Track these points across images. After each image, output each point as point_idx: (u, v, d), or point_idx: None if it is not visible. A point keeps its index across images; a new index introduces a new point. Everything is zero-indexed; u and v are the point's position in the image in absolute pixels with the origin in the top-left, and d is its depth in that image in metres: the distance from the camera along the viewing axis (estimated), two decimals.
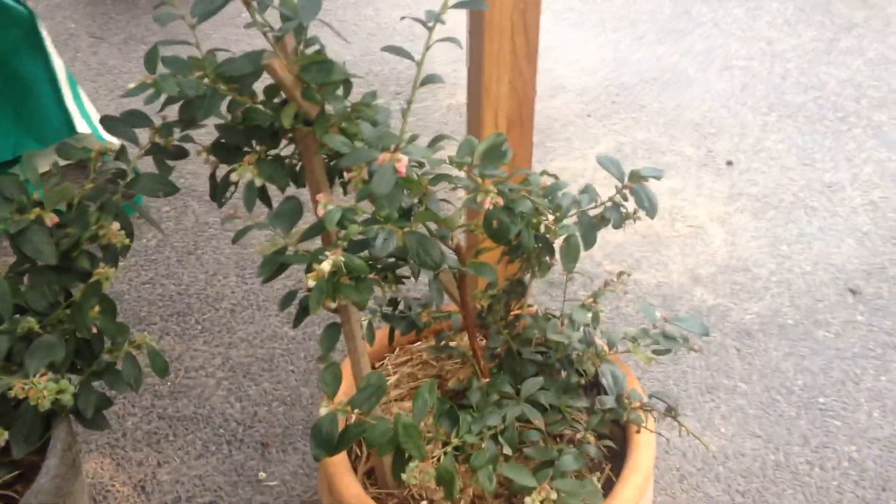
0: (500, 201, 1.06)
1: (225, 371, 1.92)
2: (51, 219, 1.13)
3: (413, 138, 1.15)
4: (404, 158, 0.98)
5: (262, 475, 1.72)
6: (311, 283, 1.02)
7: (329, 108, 1.08)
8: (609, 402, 1.32)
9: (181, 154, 1.26)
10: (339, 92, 1.12)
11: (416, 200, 1.11)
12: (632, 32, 3.10)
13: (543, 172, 1.32)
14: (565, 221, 1.21)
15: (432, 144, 1.16)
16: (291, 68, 1.06)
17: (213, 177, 1.20)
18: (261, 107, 1.09)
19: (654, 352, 1.41)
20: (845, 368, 1.92)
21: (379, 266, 1.16)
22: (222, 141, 1.18)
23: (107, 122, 1.22)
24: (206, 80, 1.05)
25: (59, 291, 1.19)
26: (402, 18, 2.97)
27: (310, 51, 1.14)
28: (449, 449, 1.09)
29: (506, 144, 1.14)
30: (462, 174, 1.13)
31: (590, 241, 1.23)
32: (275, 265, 1.10)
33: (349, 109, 1.08)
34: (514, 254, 1.27)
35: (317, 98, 1.05)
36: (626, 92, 2.79)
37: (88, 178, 1.28)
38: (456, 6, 1.14)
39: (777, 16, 3.17)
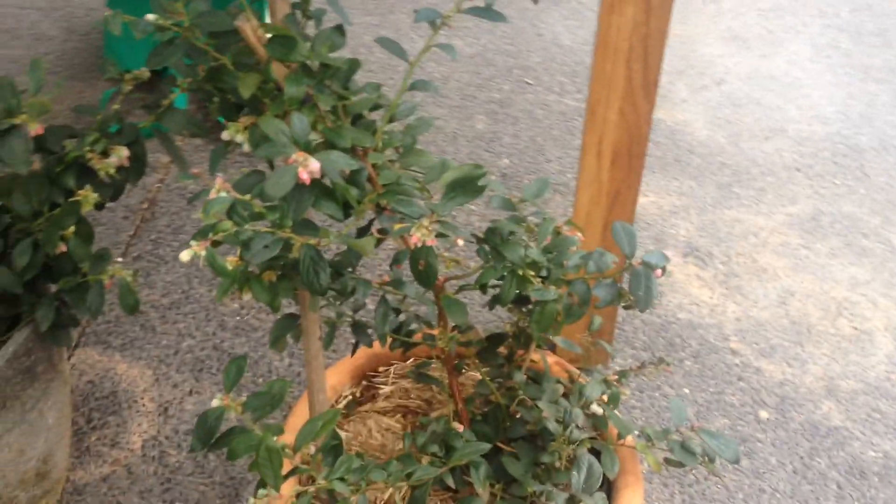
0: (432, 241, 0.92)
1: None
2: (35, 128, 1.12)
3: (388, 143, 1.03)
4: (314, 165, 0.86)
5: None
6: (229, 267, 0.94)
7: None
8: (560, 499, 1.14)
9: (209, 97, 1.21)
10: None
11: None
12: None
13: (569, 222, 1.14)
14: (550, 285, 1.03)
15: (405, 157, 1.03)
16: (262, 37, 0.96)
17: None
18: (231, 68, 1.01)
19: (666, 460, 1.21)
20: None
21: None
22: (229, 97, 1.11)
23: (159, 49, 1.19)
24: (174, 28, 0.98)
25: (44, 202, 1.19)
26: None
27: (310, 24, 1.05)
28: (311, 489, 0.97)
29: (485, 180, 0.99)
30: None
31: (575, 314, 1.04)
32: (206, 235, 1.03)
33: (310, 95, 0.97)
34: (492, 304, 1.10)
35: (271, 75, 0.95)
36: (855, 155, 2.42)
37: (117, 101, 1.26)
38: (469, 12, 1.00)
39: None
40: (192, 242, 0.86)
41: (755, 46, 2.86)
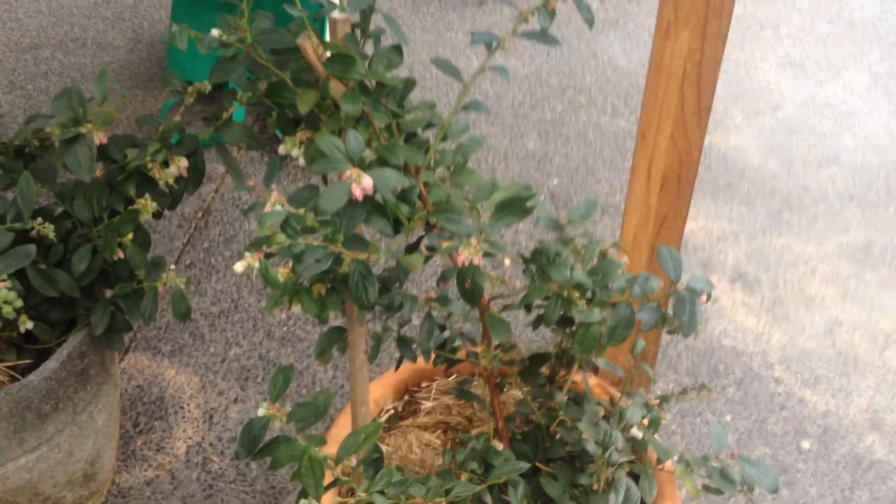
0: (479, 260, 0.93)
1: None
2: (99, 137, 1.16)
3: (440, 162, 1.04)
4: (367, 181, 0.88)
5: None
6: (281, 279, 0.97)
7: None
8: None
9: (267, 111, 1.24)
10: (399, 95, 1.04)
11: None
12: None
13: (616, 244, 1.15)
14: (594, 307, 1.04)
15: (455, 176, 1.04)
16: (321, 55, 0.99)
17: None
18: (290, 84, 1.03)
19: (704, 487, 1.21)
20: None
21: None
22: (287, 112, 1.14)
23: (222, 64, 1.22)
24: (237, 44, 1.01)
25: (104, 209, 1.22)
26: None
27: (367, 43, 1.07)
28: (350, 501, 0.99)
29: (533, 201, 1.00)
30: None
31: (618, 337, 1.05)
32: (260, 247, 1.05)
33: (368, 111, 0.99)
34: (536, 323, 1.11)
35: (328, 91, 0.97)
36: None
37: (178, 112, 1.30)
38: (525, 36, 1.01)
39: None
40: (247, 254, 0.89)
41: (812, 73, 2.84)
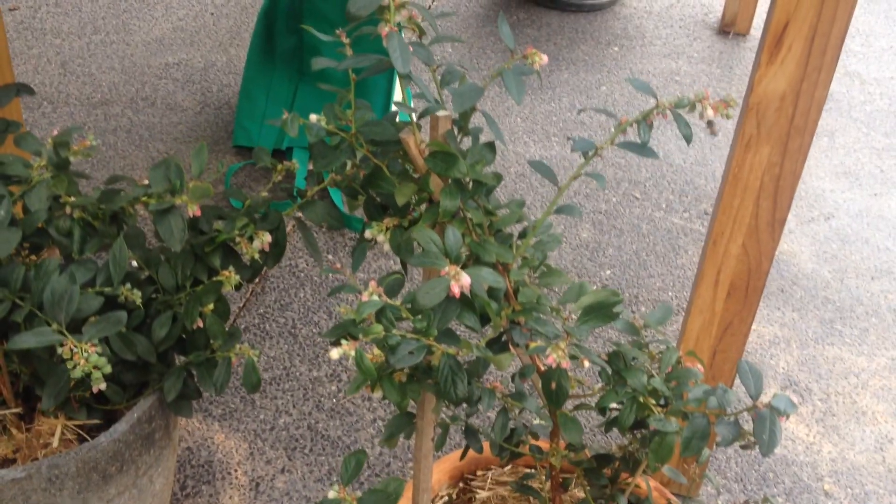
0: (566, 363, 0.94)
1: (389, 411, 1.92)
2: (193, 210, 1.19)
3: (526, 263, 1.06)
4: (465, 279, 0.90)
5: None
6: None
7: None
8: None
9: (354, 194, 1.27)
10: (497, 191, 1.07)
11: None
12: None
13: (691, 353, 1.16)
14: (670, 416, 1.05)
15: (544, 277, 1.06)
16: (423, 150, 1.02)
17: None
18: (388, 174, 1.06)
19: None
20: None
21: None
22: (377, 198, 1.17)
23: (325, 152, 1.24)
24: (341, 134, 1.05)
25: (188, 277, 1.25)
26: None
27: (465, 140, 1.10)
28: None
29: (620, 307, 1.02)
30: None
31: (693, 448, 1.05)
32: (342, 333, 1.07)
33: (465, 209, 1.02)
34: (608, 426, 1.12)
35: (429, 187, 1.00)
36: None
37: (266, 187, 1.33)
38: (623, 147, 1.04)
39: None
40: (343, 342, 0.90)
41: (867, 184, 2.85)
